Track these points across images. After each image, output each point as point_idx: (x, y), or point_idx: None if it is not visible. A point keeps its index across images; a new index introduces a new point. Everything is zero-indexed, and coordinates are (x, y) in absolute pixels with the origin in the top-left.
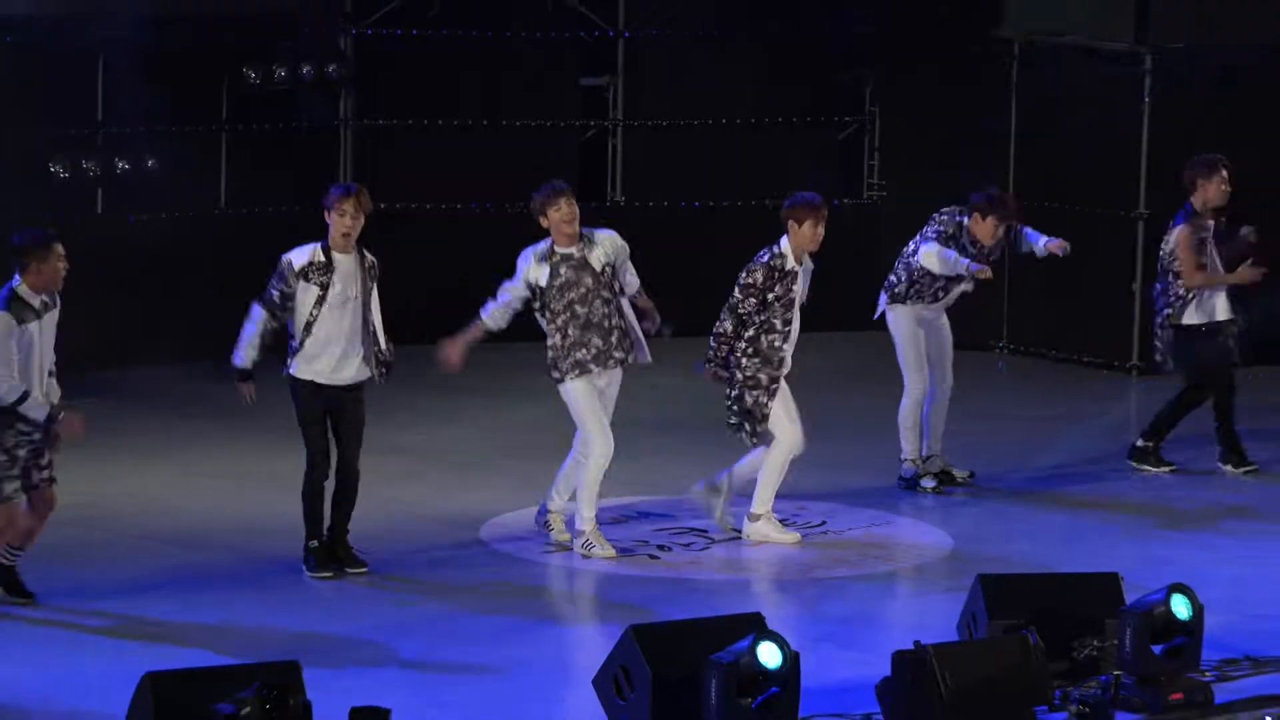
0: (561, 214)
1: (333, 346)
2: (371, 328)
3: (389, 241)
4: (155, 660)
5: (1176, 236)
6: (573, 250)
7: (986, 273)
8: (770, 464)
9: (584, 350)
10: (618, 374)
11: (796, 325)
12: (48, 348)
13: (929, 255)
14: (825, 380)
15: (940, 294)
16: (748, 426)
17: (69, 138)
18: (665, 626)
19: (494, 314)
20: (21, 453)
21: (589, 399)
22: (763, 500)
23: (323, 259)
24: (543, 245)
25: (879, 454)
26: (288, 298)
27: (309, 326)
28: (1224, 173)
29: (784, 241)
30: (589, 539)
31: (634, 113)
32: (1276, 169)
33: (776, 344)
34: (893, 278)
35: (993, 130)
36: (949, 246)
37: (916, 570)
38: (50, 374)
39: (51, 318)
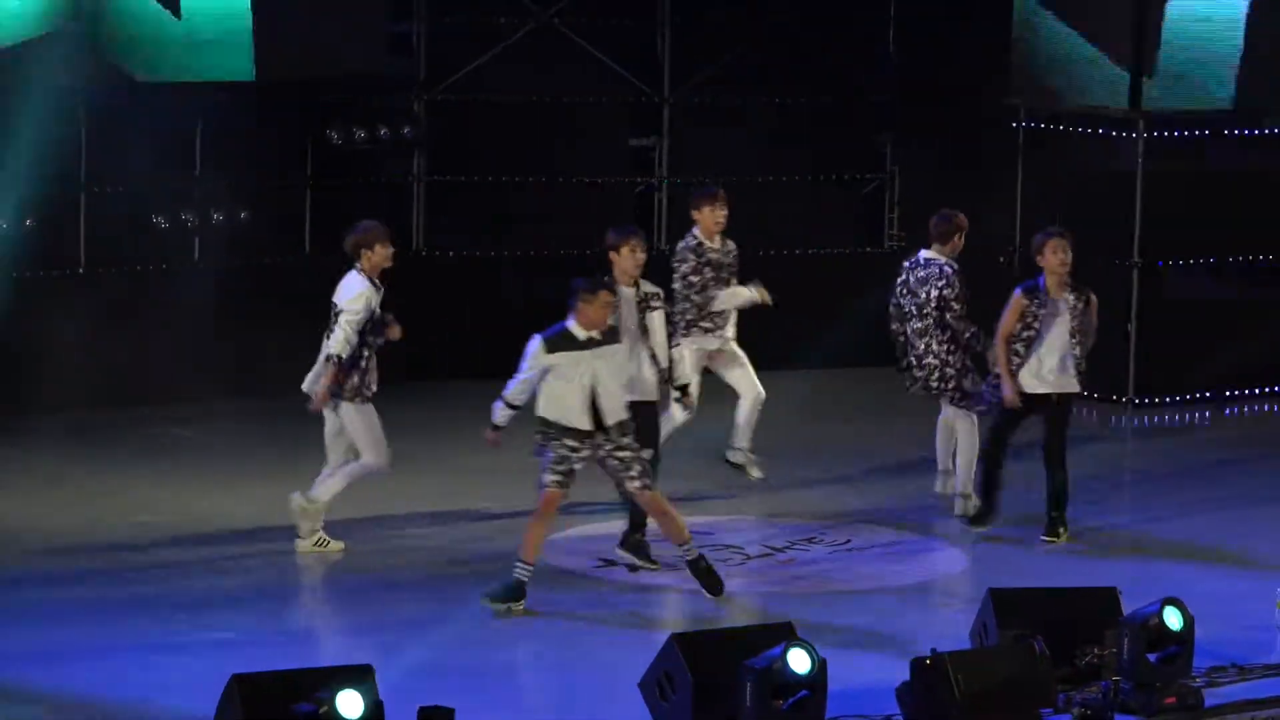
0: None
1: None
2: None
3: (456, 284)
4: (241, 663)
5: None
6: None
7: None
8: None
9: None
10: None
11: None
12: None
13: None
14: (849, 412)
15: None
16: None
17: (170, 191)
18: (704, 634)
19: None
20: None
21: None
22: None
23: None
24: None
25: (897, 480)
26: None
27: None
28: (1064, 245)
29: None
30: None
31: (678, 170)
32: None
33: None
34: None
35: (1001, 185)
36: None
37: (933, 584)
38: None
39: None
